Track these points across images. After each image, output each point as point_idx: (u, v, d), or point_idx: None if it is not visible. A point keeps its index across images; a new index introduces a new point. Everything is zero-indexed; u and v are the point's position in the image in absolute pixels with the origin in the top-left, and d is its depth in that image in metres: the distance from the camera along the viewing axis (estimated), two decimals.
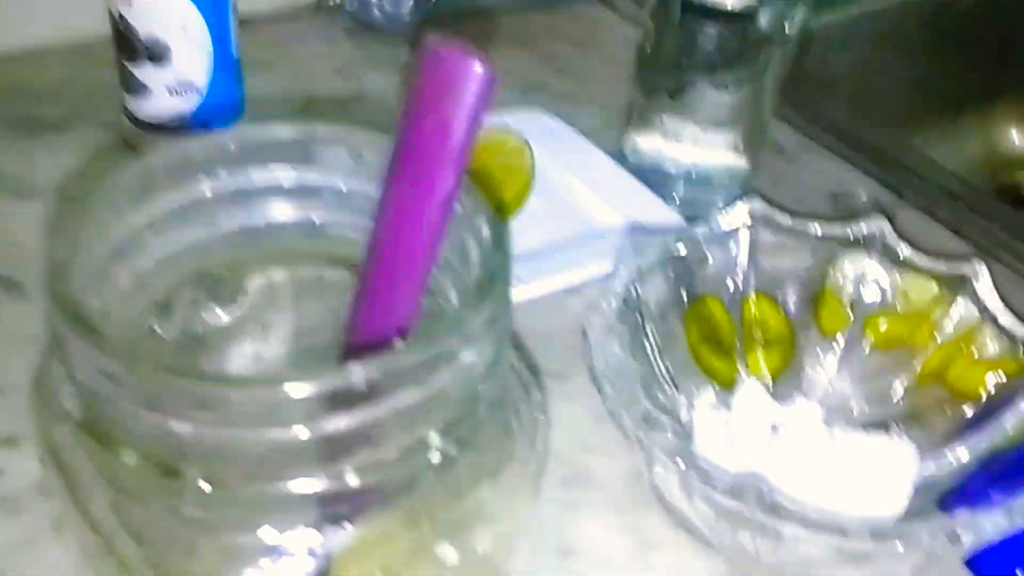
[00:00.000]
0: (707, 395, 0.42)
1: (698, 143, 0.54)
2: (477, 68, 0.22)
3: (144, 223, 0.25)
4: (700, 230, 0.42)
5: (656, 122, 0.55)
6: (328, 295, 0.31)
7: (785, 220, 0.43)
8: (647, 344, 0.40)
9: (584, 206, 0.54)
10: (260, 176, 0.26)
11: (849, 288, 0.43)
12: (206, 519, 0.19)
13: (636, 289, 0.39)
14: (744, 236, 0.43)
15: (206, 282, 0.29)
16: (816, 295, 0.45)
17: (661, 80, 0.54)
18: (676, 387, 0.42)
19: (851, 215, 0.57)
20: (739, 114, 0.54)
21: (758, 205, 0.42)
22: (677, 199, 0.56)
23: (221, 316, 0.30)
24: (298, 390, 0.18)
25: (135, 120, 0.57)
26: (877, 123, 0.67)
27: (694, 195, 0.56)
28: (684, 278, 0.43)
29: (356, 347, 0.24)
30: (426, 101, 0.23)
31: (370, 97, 0.66)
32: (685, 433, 0.38)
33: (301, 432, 0.19)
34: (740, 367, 0.44)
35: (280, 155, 0.26)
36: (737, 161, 0.56)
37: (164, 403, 0.18)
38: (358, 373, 0.19)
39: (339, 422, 0.19)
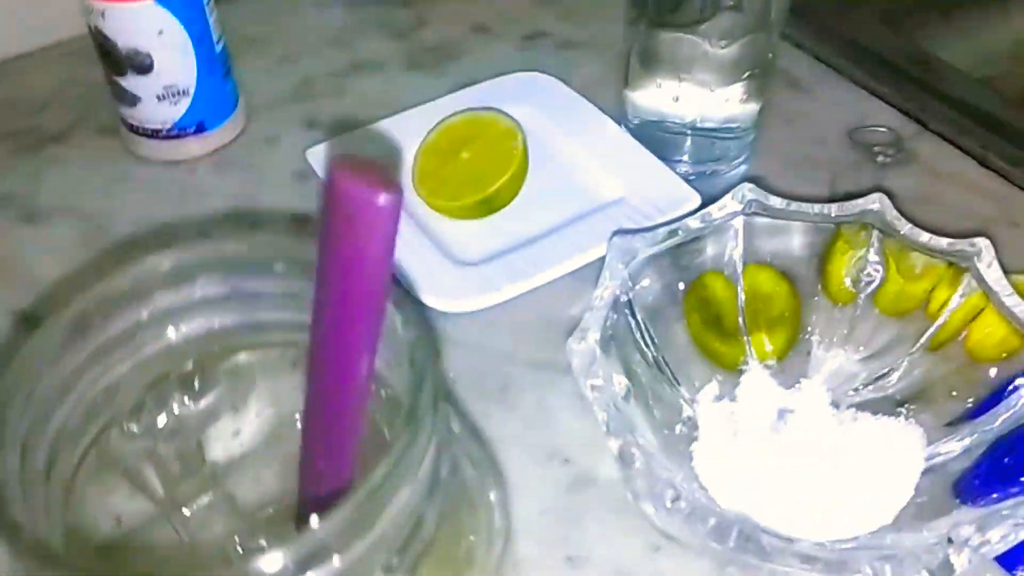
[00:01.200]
0: (710, 387, 0.42)
1: (699, 99, 0.52)
2: (382, 200, 0.21)
3: (84, 358, 0.25)
4: (690, 222, 0.41)
5: (653, 80, 0.52)
6: (297, 366, 0.31)
7: (779, 203, 0.41)
8: (644, 346, 0.40)
9: (584, 179, 0.53)
10: (195, 290, 0.26)
11: (852, 263, 0.42)
12: None
13: (628, 295, 0.38)
14: (738, 222, 0.41)
15: (174, 379, 0.29)
16: (820, 271, 0.43)
17: (650, 30, 0.51)
18: (677, 382, 0.42)
19: (870, 152, 0.55)
20: (741, 64, 0.51)
21: (748, 190, 0.41)
22: (685, 156, 0.54)
23: (193, 404, 0.30)
24: None
25: (132, 128, 0.57)
26: (897, 34, 0.63)
27: (702, 150, 0.54)
28: (678, 270, 0.41)
29: (309, 497, 0.25)
30: (339, 233, 0.22)
31: (365, 67, 0.64)
32: (684, 459, 0.37)
33: None
34: (745, 349, 0.43)
35: (209, 269, 0.26)
36: (743, 110, 0.53)
37: None
38: (275, 560, 0.19)
39: None
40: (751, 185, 0.41)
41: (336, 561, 0.20)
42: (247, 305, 0.27)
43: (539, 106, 0.56)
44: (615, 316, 0.38)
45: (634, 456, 0.33)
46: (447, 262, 0.48)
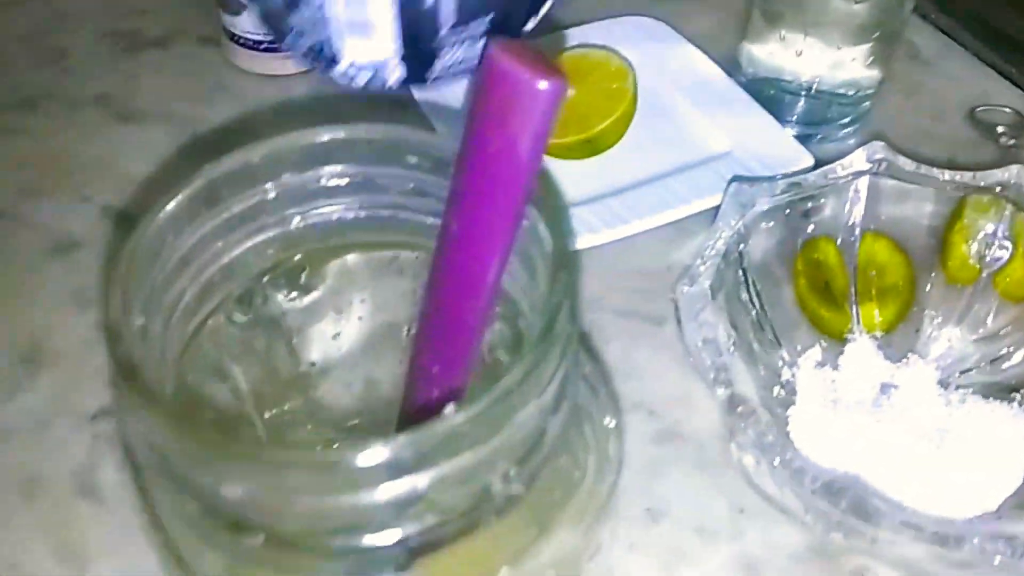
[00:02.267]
0: (813, 352, 0.40)
1: (822, 56, 0.49)
2: (543, 85, 0.20)
3: (208, 231, 0.24)
4: (812, 177, 0.39)
5: (776, 33, 0.50)
6: (405, 274, 0.30)
7: (908, 165, 0.39)
8: (749, 303, 0.38)
9: (691, 130, 0.51)
10: (323, 175, 0.25)
11: (979, 238, 0.40)
12: (268, 569, 0.20)
13: (739, 247, 0.37)
14: (862, 183, 0.39)
15: (282, 272, 0.28)
16: (941, 243, 0.41)
17: None
18: (779, 343, 0.40)
19: (990, 134, 0.52)
20: (872, 25, 0.48)
21: (879, 148, 0.39)
22: (795, 116, 0.52)
23: (298, 300, 0.29)
24: (353, 464, 0.18)
25: (233, 37, 0.56)
26: None
27: (815, 112, 0.52)
28: (793, 228, 0.40)
29: (416, 403, 0.23)
30: (491, 117, 0.21)
31: None
32: (780, 422, 0.36)
33: (359, 499, 0.18)
34: (852, 318, 0.41)
35: (340, 156, 0.25)
36: (866, 74, 0.51)
37: (218, 472, 0.18)
38: (405, 446, 0.18)
39: (397, 488, 0.19)
40: (882, 143, 0.39)
41: (461, 459, 0.19)
42: (370, 199, 0.26)
43: (648, 52, 0.54)
44: (724, 267, 0.37)
45: (741, 407, 0.31)
46: None
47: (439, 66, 0.25)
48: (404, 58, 0.25)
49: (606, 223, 0.45)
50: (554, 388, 0.21)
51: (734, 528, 0.37)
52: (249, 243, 0.25)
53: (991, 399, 0.38)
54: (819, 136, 0.52)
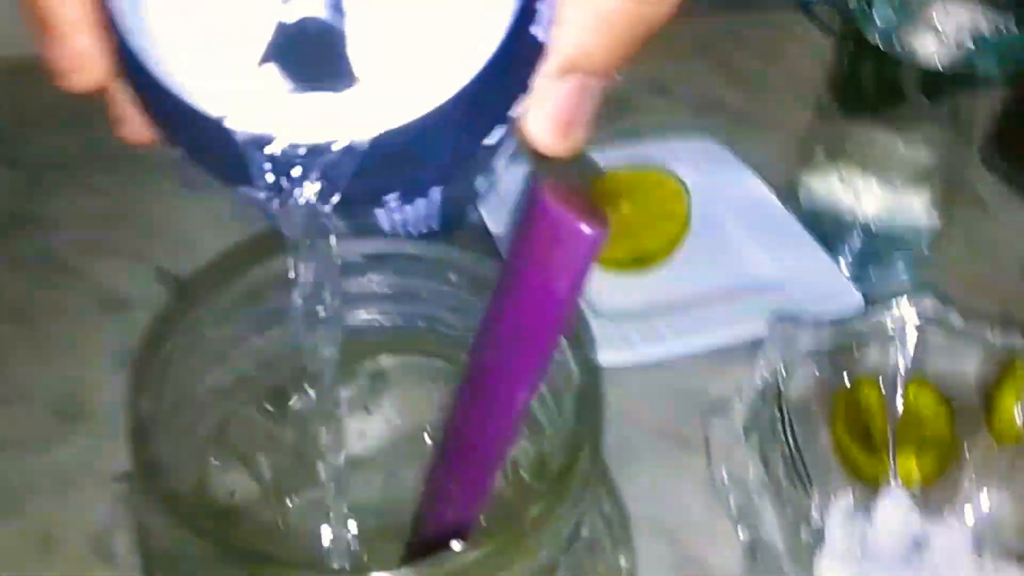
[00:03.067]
0: (845, 499, 0.39)
1: (882, 197, 0.49)
2: (586, 230, 0.20)
3: (247, 327, 0.24)
4: (859, 324, 0.38)
5: (835, 169, 0.50)
6: (437, 381, 0.30)
7: (958, 322, 0.38)
8: (784, 442, 0.37)
9: (742, 256, 0.51)
10: (366, 281, 0.26)
11: None
12: None
13: (779, 386, 0.36)
14: (911, 334, 0.38)
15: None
16: (989, 400, 0.40)
17: (845, 120, 0.49)
18: (810, 484, 0.39)
19: None
20: (933, 171, 0.48)
21: (929, 303, 0.38)
22: (849, 255, 0.52)
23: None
24: None
25: None
26: None
27: (871, 253, 0.51)
28: (835, 370, 0.39)
29: (431, 519, 0.23)
30: (531, 255, 0.21)
31: None
32: (805, 569, 0.35)
33: None
34: (889, 467, 0.40)
35: (384, 266, 0.25)
36: (925, 219, 0.50)
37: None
38: None
39: None
40: (931, 297, 0.38)
41: None
42: (408, 309, 0.26)
43: (706, 173, 0.55)
44: (760, 405, 0.36)
45: (760, 555, 0.30)
46: (586, 309, 0.47)
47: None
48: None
49: (647, 341, 0.45)
50: (569, 528, 0.20)
51: None
52: (286, 339, 0.26)
53: None
54: (873, 279, 0.52)
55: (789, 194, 0.54)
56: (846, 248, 0.52)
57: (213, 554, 0.18)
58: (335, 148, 0.18)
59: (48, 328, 0.48)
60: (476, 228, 0.52)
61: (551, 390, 0.23)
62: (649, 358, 0.45)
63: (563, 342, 0.22)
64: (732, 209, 0.53)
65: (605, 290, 0.48)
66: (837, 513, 0.39)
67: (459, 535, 0.24)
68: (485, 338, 0.22)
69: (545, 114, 0.19)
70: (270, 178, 0.18)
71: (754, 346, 0.46)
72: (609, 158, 0.54)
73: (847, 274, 0.50)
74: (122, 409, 0.43)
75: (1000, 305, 0.51)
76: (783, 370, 0.37)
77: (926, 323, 0.38)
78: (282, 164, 0.18)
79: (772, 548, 0.32)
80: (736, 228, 0.52)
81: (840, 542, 0.38)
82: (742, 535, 0.32)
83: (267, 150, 0.18)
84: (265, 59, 0.17)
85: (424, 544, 0.25)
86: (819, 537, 0.38)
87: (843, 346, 0.39)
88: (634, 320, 0.46)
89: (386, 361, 0.30)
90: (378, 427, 0.31)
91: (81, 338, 0.47)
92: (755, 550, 0.31)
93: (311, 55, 0.17)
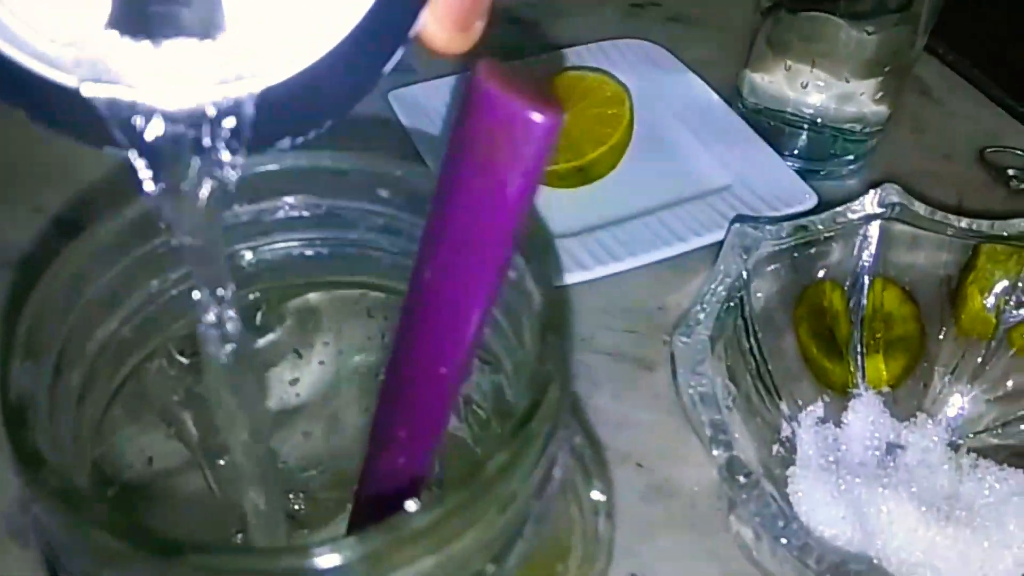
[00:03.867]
0: (815, 409, 0.37)
1: (829, 89, 0.47)
2: (538, 117, 0.17)
3: (139, 269, 0.21)
4: (820, 220, 0.36)
5: (781, 62, 0.47)
6: (374, 316, 0.27)
7: (923, 211, 0.36)
8: (750, 353, 0.35)
9: (689, 161, 0.48)
10: (281, 207, 0.22)
11: (995, 291, 0.37)
12: None
13: (741, 294, 0.34)
14: (873, 227, 0.36)
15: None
16: (954, 294, 0.38)
17: (791, 12, 0.46)
18: (779, 396, 0.37)
19: (1001, 176, 0.50)
20: (882, 58, 0.46)
21: (893, 192, 0.36)
22: (797, 150, 0.49)
23: (253, 342, 0.26)
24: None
25: None
26: None
27: (818, 147, 0.49)
28: (799, 273, 0.37)
29: (381, 470, 0.20)
30: (474, 153, 0.18)
31: None
32: (779, 483, 0.33)
33: None
34: (856, 371, 0.39)
35: (300, 186, 0.22)
36: (873, 109, 0.48)
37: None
38: (356, 552, 0.15)
39: None
40: (896, 187, 0.36)
41: (425, 562, 0.16)
42: (334, 234, 0.23)
43: (646, 77, 0.52)
44: (724, 315, 0.34)
45: (742, 477, 0.28)
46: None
47: None
48: None
49: (597, 259, 0.43)
50: (539, 474, 0.18)
51: None
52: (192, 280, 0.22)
53: (1005, 465, 0.35)
54: (822, 172, 0.50)
55: (732, 93, 0.51)
56: (795, 144, 0.49)
57: (118, 549, 0.15)
58: (216, 106, 0.16)
59: None
60: (386, 123, 0.49)
61: (506, 315, 0.20)
62: (601, 275, 0.42)
63: (519, 260, 0.19)
64: (675, 112, 0.50)
65: (549, 208, 0.45)
66: (807, 423, 0.37)
67: (413, 486, 0.21)
68: (427, 257, 0.19)
69: (440, 10, 0.18)
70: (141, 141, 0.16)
71: (709, 254, 0.43)
72: (543, 64, 0.51)
73: (796, 170, 0.48)
74: None
75: (955, 195, 0.49)
76: (745, 276, 0.34)
77: (890, 214, 0.36)
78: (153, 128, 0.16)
79: (746, 465, 0.30)
80: (681, 132, 0.50)
81: (813, 453, 0.36)
82: (717, 455, 0.29)
83: (134, 116, 0.16)
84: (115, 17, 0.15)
85: (374, 498, 0.22)
86: (791, 449, 0.36)
87: (805, 246, 0.36)
88: (582, 237, 0.43)
89: (315, 298, 0.26)
90: (313, 372, 0.28)
91: None
92: (731, 468, 0.28)
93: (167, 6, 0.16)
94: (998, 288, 0.36)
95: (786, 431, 0.36)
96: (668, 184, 0.47)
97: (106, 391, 0.21)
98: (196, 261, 0.18)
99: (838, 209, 0.37)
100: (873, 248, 0.37)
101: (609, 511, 0.22)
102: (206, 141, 0.16)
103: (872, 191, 0.36)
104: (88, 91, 0.16)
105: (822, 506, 0.34)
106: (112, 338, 0.21)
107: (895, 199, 0.36)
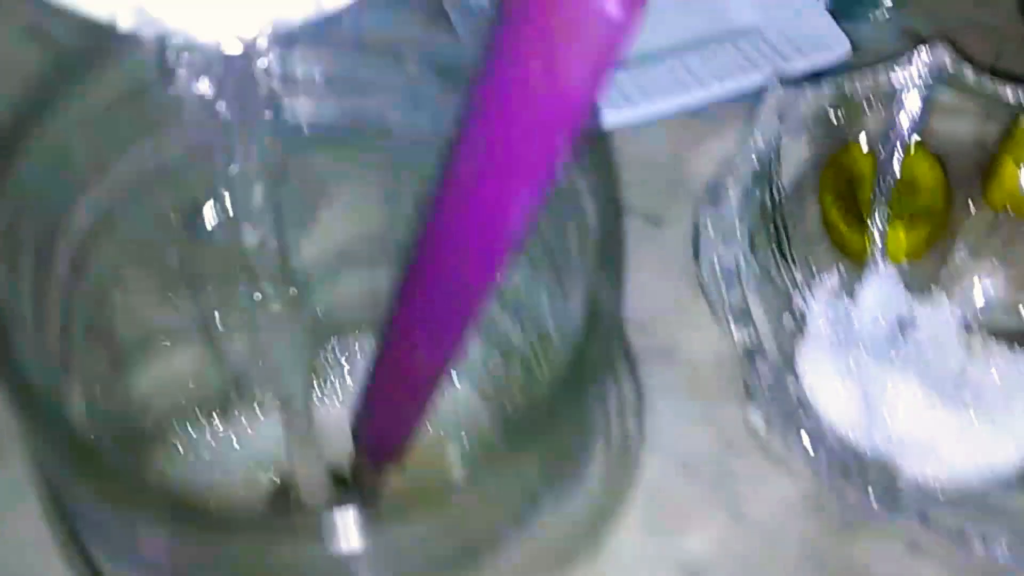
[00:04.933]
0: (829, 280, 0.36)
1: None
2: (613, 11, 0.14)
3: (133, 128, 0.18)
4: (862, 81, 0.33)
5: None
6: (388, 195, 0.24)
7: (971, 78, 0.33)
8: (773, 220, 0.33)
9: None
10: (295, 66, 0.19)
11: None
12: None
13: (772, 162, 0.32)
14: (916, 94, 0.34)
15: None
16: (989, 164, 0.36)
17: None
18: (795, 264, 0.36)
19: None
20: None
21: (944, 55, 0.33)
22: None
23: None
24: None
25: None
26: None
27: None
28: (831, 137, 0.34)
29: (389, 382, 0.18)
30: (528, 38, 0.15)
31: None
32: (787, 357, 0.32)
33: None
34: (875, 240, 0.37)
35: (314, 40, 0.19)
36: None
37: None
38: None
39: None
40: (948, 48, 0.33)
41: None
42: (351, 97, 0.20)
43: None
44: (754, 183, 0.32)
45: (762, 363, 0.27)
46: None
47: None
48: None
49: (609, 102, 0.40)
50: (584, 433, 0.16)
51: (720, 468, 0.34)
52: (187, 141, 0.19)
53: (1018, 348, 0.35)
54: (857, 9, 0.46)
55: None
56: None
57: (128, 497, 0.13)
58: None
59: None
60: None
61: (553, 249, 0.18)
62: (613, 123, 0.39)
63: (575, 175, 0.17)
64: None
65: None
66: (821, 294, 0.36)
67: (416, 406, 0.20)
68: (459, 152, 0.16)
69: None
70: None
71: (730, 106, 0.41)
72: None
73: (829, 8, 0.44)
74: None
75: (991, 48, 0.46)
76: (779, 142, 0.32)
77: (936, 80, 0.33)
78: None
79: (768, 352, 0.29)
80: None
81: (823, 326, 0.35)
82: (737, 338, 0.28)
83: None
84: None
85: (374, 437, 0.20)
86: (802, 320, 0.35)
87: (842, 109, 0.34)
88: None
89: (321, 163, 0.23)
90: (317, 243, 0.25)
91: None
92: (751, 355, 0.27)
93: None
94: None
95: (798, 301, 0.35)
96: (691, 19, 0.43)
97: (106, 264, 0.19)
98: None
99: (880, 67, 0.34)
100: (913, 113, 0.34)
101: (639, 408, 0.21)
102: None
103: (920, 50, 0.33)
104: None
105: (828, 382, 0.34)
106: (104, 204, 0.19)
107: (947, 63, 0.33)
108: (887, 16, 0.46)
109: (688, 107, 0.40)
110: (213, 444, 0.26)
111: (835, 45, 0.42)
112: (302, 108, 0.20)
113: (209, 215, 0.22)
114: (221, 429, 0.26)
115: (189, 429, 0.25)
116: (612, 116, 0.39)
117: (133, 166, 0.20)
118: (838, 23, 0.43)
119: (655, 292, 0.38)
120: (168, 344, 0.24)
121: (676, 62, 0.41)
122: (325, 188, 0.24)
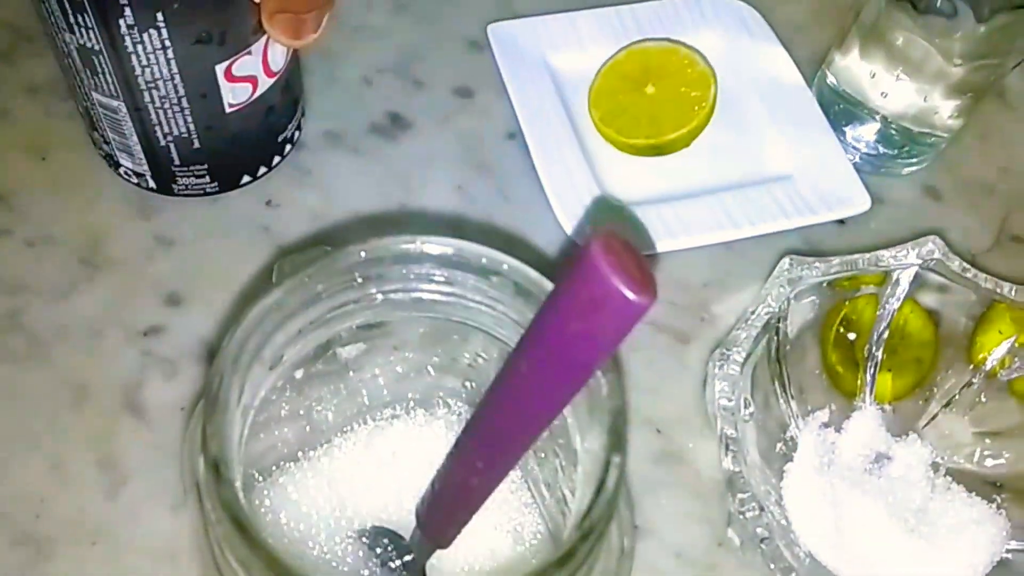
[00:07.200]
0: (821, 414, 0.42)
1: (909, 101, 0.48)
2: (633, 297, 0.21)
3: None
4: (865, 261, 0.40)
5: (867, 67, 0.49)
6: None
7: (957, 267, 0.39)
8: (776, 365, 0.40)
9: (758, 143, 0.51)
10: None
11: (1007, 347, 0.41)
12: None
13: (780, 321, 0.38)
14: (909, 274, 0.40)
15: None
16: (970, 335, 0.42)
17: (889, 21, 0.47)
18: (792, 399, 0.42)
19: None
20: (968, 85, 0.47)
21: (935, 248, 0.39)
22: (864, 140, 0.51)
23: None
24: None
25: None
26: None
27: (886, 142, 0.51)
28: (835, 300, 0.41)
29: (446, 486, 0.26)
30: (572, 308, 0.22)
31: None
32: (776, 477, 0.38)
33: None
34: (866, 383, 0.43)
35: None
36: (949, 123, 0.50)
37: None
38: None
39: None
40: (939, 242, 0.39)
41: None
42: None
43: (734, 41, 0.53)
44: (760, 334, 0.38)
45: (741, 492, 0.34)
46: (595, 189, 0.47)
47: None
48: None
49: (656, 233, 0.46)
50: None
51: (710, 559, 0.40)
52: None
53: (973, 493, 0.41)
54: (883, 169, 0.52)
55: (816, 63, 0.53)
56: (863, 133, 0.51)
57: None
58: None
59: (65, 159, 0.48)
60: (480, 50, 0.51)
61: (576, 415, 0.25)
62: (656, 251, 0.46)
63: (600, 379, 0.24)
64: (755, 83, 0.52)
65: (615, 169, 0.49)
66: (812, 426, 0.42)
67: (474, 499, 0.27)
68: (507, 374, 0.24)
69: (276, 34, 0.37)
70: None
71: (759, 242, 0.47)
72: (639, 18, 0.52)
73: (860, 155, 0.50)
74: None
75: (1002, 211, 0.52)
76: (786, 305, 0.38)
77: (928, 266, 0.40)
78: None
79: (751, 469, 0.35)
80: (755, 106, 0.52)
81: (810, 454, 0.41)
82: (723, 464, 0.35)
83: None
84: None
85: (442, 494, 0.28)
86: (793, 447, 0.42)
87: (845, 280, 0.40)
88: (643, 208, 0.47)
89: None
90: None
91: (99, 182, 0.47)
92: (732, 485, 0.34)
93: None
94: (1008, 345, 0.40)
95: (791, 431, 0.42)
96: (734, 164, 0.50)
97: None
98: None
99: (881, 253, 0.40)
100: (906, 287, 0.41)
101: (630, 557, 0.28)
102: None
103: (914, 244, 0.39)
104: None
105: (807, 502, 0.40)
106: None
107: (936, 255, 0.39)
108: (913, 171, 0.52)
109: (722, 241, 0.47)
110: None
111: (858, 201, 0.48)
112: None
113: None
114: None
115: None
116: (659, 244, 0.46)
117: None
118: (864, 177, 0.49)
119: (675, 402, 0.44)
120: None
121: (716, 201, 0.48)
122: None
